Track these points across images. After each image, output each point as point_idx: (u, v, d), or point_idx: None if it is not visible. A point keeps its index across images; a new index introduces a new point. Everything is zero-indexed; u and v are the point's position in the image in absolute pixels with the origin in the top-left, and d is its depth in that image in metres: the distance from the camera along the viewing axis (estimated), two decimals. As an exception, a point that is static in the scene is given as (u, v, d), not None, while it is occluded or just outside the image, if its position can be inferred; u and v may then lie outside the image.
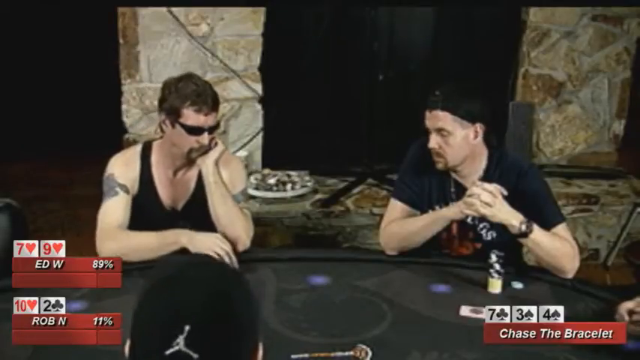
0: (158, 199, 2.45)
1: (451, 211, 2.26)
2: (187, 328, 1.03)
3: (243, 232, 2.38)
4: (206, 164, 2.35)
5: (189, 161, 2.39)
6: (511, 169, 2.34)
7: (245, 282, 1.15)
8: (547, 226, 2.23)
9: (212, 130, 2.32)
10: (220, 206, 2.36)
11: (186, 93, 2.27)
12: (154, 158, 2.45)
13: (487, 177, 2.33)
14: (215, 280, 1.11)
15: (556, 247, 2.19)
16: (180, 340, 1.03)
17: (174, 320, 1.04)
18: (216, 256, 2.13)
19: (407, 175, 2.45)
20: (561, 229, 2.27)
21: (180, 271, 1.12)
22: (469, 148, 2.30)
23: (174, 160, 2.42)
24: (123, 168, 2.41)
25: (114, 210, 2.36)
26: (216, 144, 2.36)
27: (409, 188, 2.42)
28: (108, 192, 2.38)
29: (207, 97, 2.28)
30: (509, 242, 2.35)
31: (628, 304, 1.91)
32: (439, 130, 2.26)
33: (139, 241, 2.26)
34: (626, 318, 1.88)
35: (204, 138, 2.31)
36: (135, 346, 1.09)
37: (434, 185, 2.41)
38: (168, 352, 1.03)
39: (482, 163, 2.35)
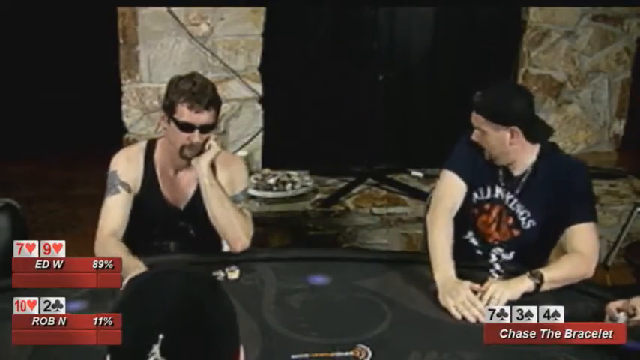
0: (161, 196, 2.45)
1: (440, 285, 2.16)
2: (161, 336, 1.02)
3: (243, 233, 2.37)
4: (200, 166, 2.34)
5: (187, 160, 2.39)
6: (561, 164, 2.42)
7: (220, 288, 1.14)
8: (575, 221, 2.29)
9: (205, 129, 2.32)
10: (217, 208, 2.35)
11: (183, 89, 2.29)
12: (158, 156, 2.46)
13: (535, 171, 2.40)
14: (187, 288, 1.10)
15: (572, 269, 2.22)
16: (156, 349, 1.02)
17: (148, 330, 1.03)
18: None
19: (462, 149, 2.48)
20: (585, 227, 2.31)
21: (151, 281, 1.11)
22: (506, 148, 2.36)
23: (173, 158, 2.42)
24: (126, 165, 2.42)
25: (113, 211, 2.37)
26: (209, 146, 2.36)
27: (462, 160, 2.46)
28: (110, 189, 2.40)
29: (201, 96, 2.28)
30: (547, 234, 2.39)
31: (616, 304, 1.92)
32: (477, 128, 2.37)
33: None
34: (608, 318, 1.90)
35: (195, 136, 2.30)
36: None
37: (484, 167, 2.45)
38: None
39: (530, 158, 2.40)
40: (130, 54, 3.97)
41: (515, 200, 2.42)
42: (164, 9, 3.90)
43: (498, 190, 2.44)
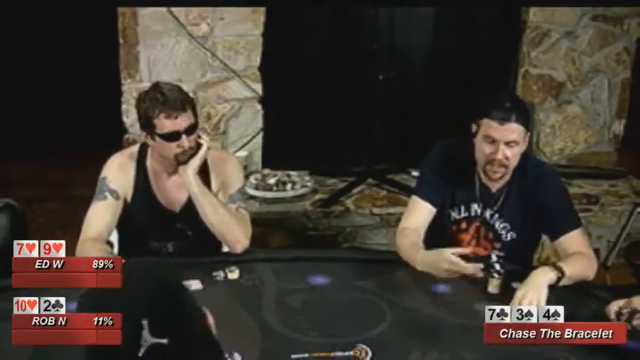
0: (155, 201, 2.44)
1: (421, 267, 2.20)
2: (145, 322, 1.16)
3: (241, 235, 2.37)
4: (187, 175, 2.33)
5: (184, 162, 2.36)
6: (532, 172, 2.38)
7: (174, 276, 1.36)
8: (563, 230, 2.28)
9: (190, 131, 2.29)
10: (211, 215, 2.35)
11: (153, 103, 2.26)
12: (149, 161, 2.44)
13: (510, 184, 2.38)
14: (152, 280, 1.27)
15: (581, 268, 2.22)
16: (146, 334, 1.13)
17: (134, 321, 1.16)
18: None
19: (430, 173, 2.46)
20: (577, 234, 2.31)
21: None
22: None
23: (165, 164, 2.41)
24: (117, 172, 2.41)
25: (98, 216, 2.36)
26: (199, 145, 2.33)
27: (432, 186, 2.43)
28: (98, 194, 2.39)
29: (173, 101, 2.25)
30: (527, 242, 2.38)
31: (619, 303, 1.93)
32: (509, 142, 2.26)
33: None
34: (612, 316, 1.90)
35: (184, 141, 2.28)
36: None
37: (458, 187, 2.43)
38: (141, 352, 1.12)
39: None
40: (130, 54, 3.97)
41: (496, 215, 2.41)
42: (164, 9, 3.90)
43: (475, 207, 2.43)
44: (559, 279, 2.13)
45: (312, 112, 4.26)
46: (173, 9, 3.90)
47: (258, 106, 4.15)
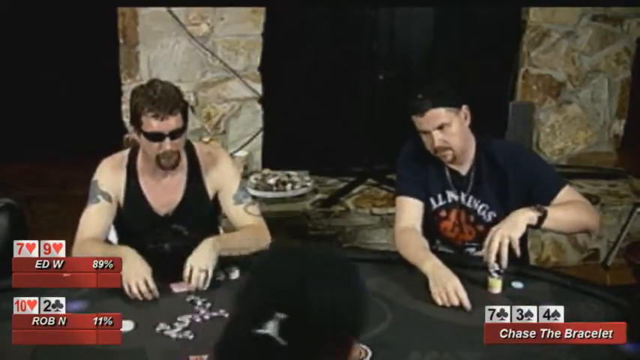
0: (147, 204, 2.42)
1: (429, 273, 2.18)
2: (281, 315, 1.04)
3: (264, 243, 2.40)
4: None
5: (167, 167, 2.35)
6: (499, 153, 2.41)
7: (352, 270, 1.18)
8: (552, 193, 2.30)
9: (175, 135, 2.27)
10: (244, 250, 2.35)
11: (143, 100, 2.24)
12: (140, 164, 2.43)
13: (478, 165, 2.42)
14: (306, 271, 1.11)
15: (572, 212, 2.25)
16: (272, 324, 1.03)
17: (266, 305, 1.05)
18: (130, 291, 2.09)
19: (405, 169, 2.51)
20: (567, 191, 2.33)
21: (277, 258, 1.15)
22: (465, 131, 2.38)
23: (154, 166, 2.38)
24: (108, 175, 2.41)
25: (91, 219, 2.36)
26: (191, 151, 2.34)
27: (412, 182, 2.47)
28: (90, 198, 2.39)
29: (162, 102, 2.22)
30: None
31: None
32: (440, 127, 2.32)
33: (95, 254, 2.10)
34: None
35: (166, 144, 2.26)
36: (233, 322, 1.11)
37: (430, 176, 2.47)
38: (258, 331, 1.03)
39: (472, 150, 2.42)
40: (130, 54, 3.97)
41: (471, 197, 2.44)
42: (164, 9, 3.90)
43: (451, 194, 2.46)
44: (540, 219, 2.16)
45: (312, 112, 4.26)
46: (173, 9, 3.91)
47: (258, 106, 4.15)
